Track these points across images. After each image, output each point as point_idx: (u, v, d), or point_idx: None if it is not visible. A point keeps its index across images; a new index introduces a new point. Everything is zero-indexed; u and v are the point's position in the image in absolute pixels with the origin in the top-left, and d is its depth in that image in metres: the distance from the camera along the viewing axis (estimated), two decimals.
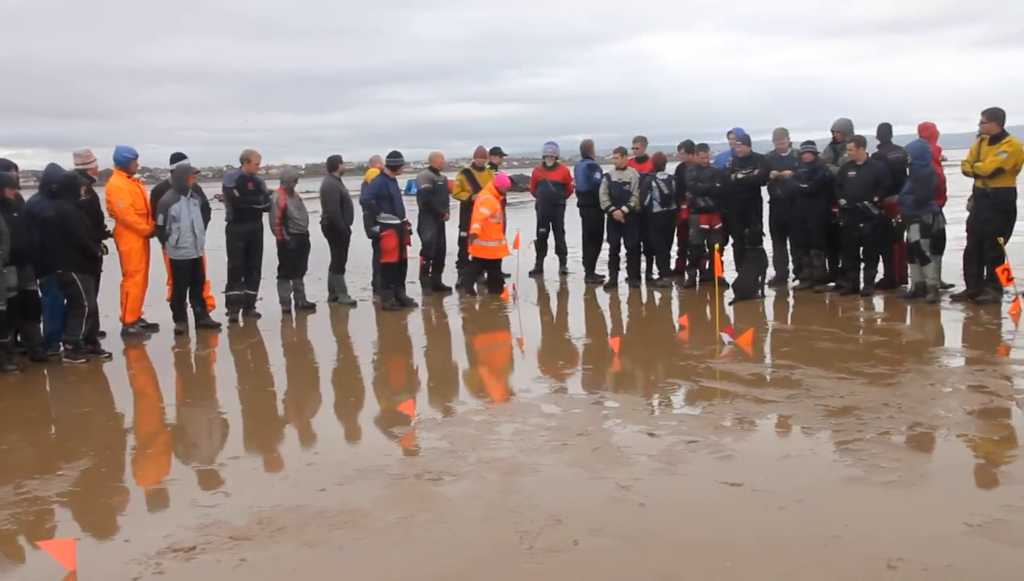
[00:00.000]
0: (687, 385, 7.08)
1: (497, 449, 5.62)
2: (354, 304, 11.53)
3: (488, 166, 12.87)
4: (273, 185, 11.43)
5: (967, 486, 4.86)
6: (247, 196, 10.57)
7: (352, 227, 11.71)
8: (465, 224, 12.58)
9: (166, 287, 10.20)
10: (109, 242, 9.53)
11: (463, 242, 12.60)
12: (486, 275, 12.14)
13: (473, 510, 4.66)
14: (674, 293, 11.66)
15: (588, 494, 4.83)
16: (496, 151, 13.17)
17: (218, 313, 10.63)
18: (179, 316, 10.05)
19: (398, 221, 11.08)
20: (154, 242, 10.01)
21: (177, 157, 10.18)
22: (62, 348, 8.90)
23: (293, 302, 11.23)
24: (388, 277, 11.22)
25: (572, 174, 13.31)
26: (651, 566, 3.95)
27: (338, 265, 11.69)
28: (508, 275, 12.62)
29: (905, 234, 9.95)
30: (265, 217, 10.89)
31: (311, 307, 11.31)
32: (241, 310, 10.75)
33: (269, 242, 11.03)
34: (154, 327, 10.23)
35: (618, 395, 6.92)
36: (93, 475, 5.58)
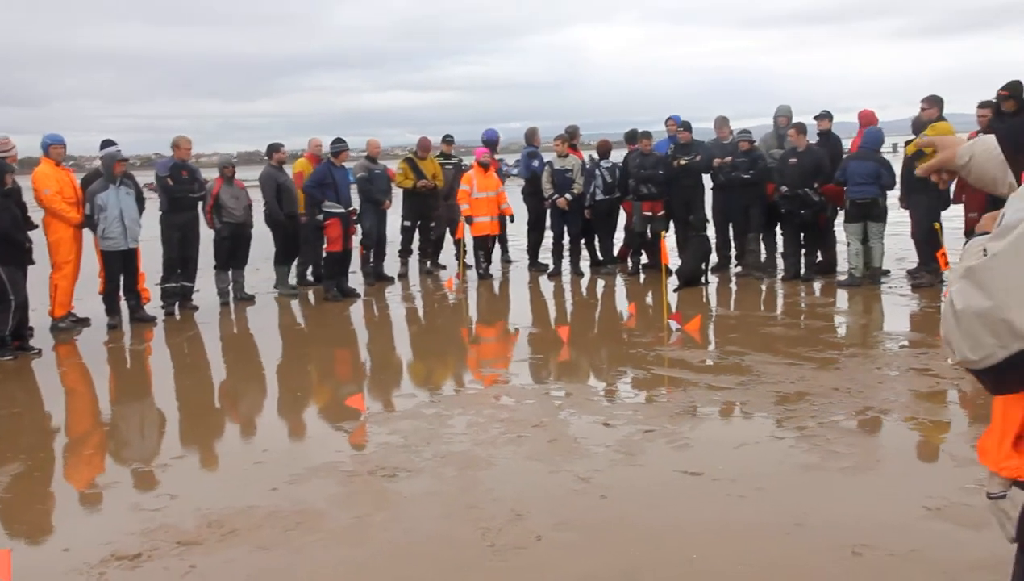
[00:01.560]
0: (639, 373, 7.05)
1: (451, 443, 5.50)
2: (295, 295, 11.26)
3: (438, 155, 12.70)
4: (211, 174, 11.08)
5: (922, 470, 4.93)
6: (181, 185, 10.22)
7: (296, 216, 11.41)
8: (408, 213, 12.39)
9: (98, 279, 9.80)
10: (37, 233, 9.07)
11: (406, 231, 12.42)
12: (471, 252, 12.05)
13: (431, 507, 4.53)
14: (618, 280, 11.65)
15: (548, 487, 4.74)
16: (447, 139, 12.96)
17: (153, 306, 10.27)
18: (112, 309, 9.66)
19: (342, 210, 10.84)
20: (87, 233, 9.60)
21: (106, 144, 9.78)
22: None
23: (231, 294, 10.90)
24: (331, 267, 10.97)
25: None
26: (616, 560, 3.88)
27: (281, 256, 11.38)
28: (444, 267, 12.52)
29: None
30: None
31: (250, 299, 11.01)
32: (177, 303, 10.40)
33: (206, 232, 10.68)
34: (85, 321, 9.82)
35: (570, 385, 6.85)
36: (25, 480, 5.29)
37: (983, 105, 9.53)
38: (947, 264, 9.40)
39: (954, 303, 1.50)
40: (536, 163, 12.40)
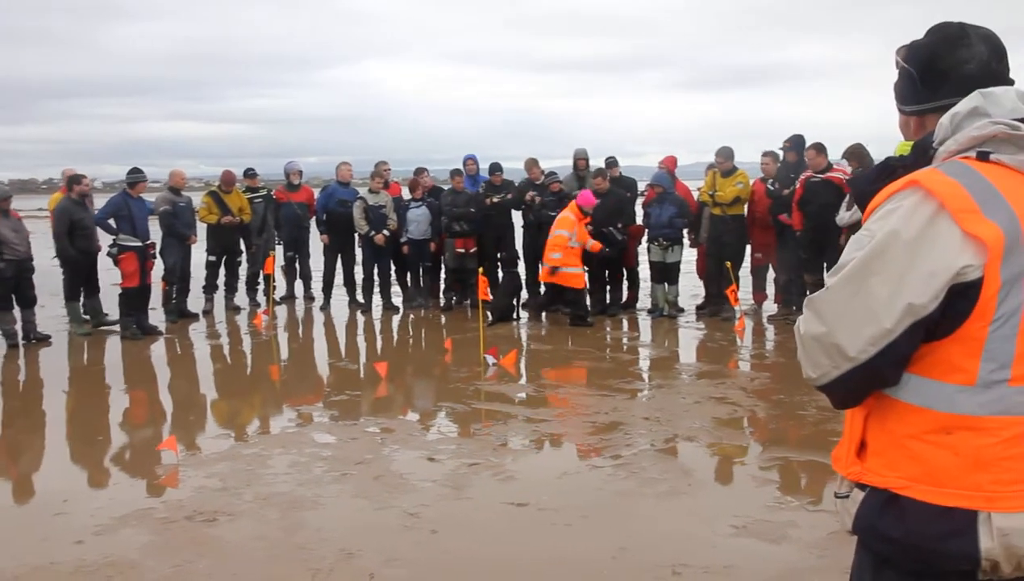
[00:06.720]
0: (459, 407, 7.12)
1: (273, 484, 5.33)
2: (88, 333, 10.52)
3: (245, 190, 12.33)
4: None
5: (727, 491, 5.28)
6: None
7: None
8: (213, 248, 11.91)
9: None
10: None
11: (211, 266, 11.94)
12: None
13: (256, 551, 4.37)
14: (431, 316, 11.72)
15: (377, 524, 4.69)
16: (249, 173, 12.57)
17: None
18: None
19: (139, 243, 10.30)
20: None
21: None
22: None
23: (21, 334, 9.99)
24: (129, 303, 10.36)
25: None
26: None
27: (69, 292, 10.59)
28: (258, 305, 12.16)
29: (665, 255, 10.73)
30: None
31: (45, 339, 10.17)
32: None
33: None
34: None
35: (391, 421, 6.82)
36: None
37: (767, 154, 10.54)
38: (736, 300, 10.18)
39: (799, 329, 1.69)
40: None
